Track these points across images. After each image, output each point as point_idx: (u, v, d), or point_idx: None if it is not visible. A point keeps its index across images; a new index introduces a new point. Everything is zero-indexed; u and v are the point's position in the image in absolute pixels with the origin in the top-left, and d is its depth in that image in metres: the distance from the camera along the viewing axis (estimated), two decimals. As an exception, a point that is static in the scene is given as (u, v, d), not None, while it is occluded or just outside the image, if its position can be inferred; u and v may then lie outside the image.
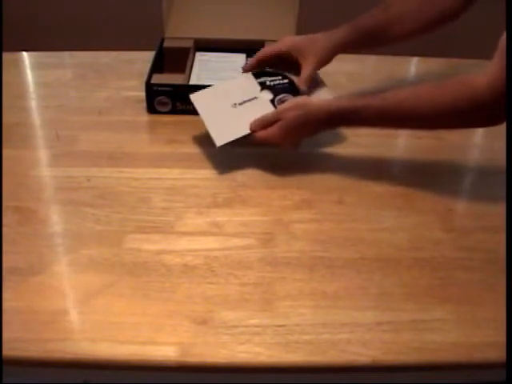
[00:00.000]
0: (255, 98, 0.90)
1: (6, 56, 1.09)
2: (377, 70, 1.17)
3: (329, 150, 0.92)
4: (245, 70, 0.94)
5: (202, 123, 0.88)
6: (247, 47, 1.10)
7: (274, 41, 0.95)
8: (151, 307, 0.65)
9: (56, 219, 0.78)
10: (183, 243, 0.73)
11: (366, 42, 0.92)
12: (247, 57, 1.08)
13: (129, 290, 0.67)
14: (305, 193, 0.82)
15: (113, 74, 1.10)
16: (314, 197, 0.82)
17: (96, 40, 1.60)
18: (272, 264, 0.71)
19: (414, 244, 0.75)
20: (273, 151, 0.89)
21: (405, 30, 0.90)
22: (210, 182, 0.84)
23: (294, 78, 0.93)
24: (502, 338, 0.60)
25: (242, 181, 0.84)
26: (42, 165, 0.87)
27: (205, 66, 1.06)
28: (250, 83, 0.93)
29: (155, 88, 0.96)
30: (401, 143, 0.98)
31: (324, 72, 0.94)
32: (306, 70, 0.90)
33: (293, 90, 0.91)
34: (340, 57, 0.91)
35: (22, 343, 0.61)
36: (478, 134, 0.99)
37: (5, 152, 0.86)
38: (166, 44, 1.11)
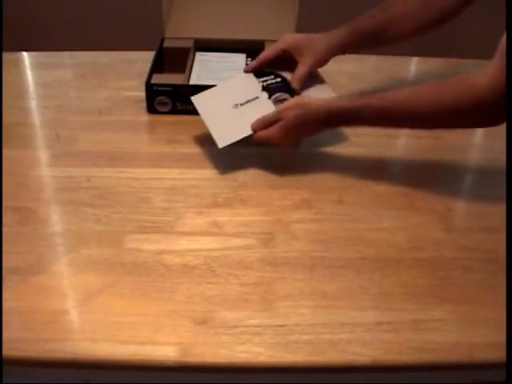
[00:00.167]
0: (257, 97, 0.90)
1: (5, 56, 1.09)
2: (377, 70, 1.17)
3: (329, 149, 0.92)
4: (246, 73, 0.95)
5: (202, 123, 0.88)
6: (247, 47, 1.10)
7: (274, 41, 0.95)
8: (151, 307, 0.65)
9: (56, 219, 0.78)
10: (183, 243, 0.73)
11: (366, 43, 0.92)
12: (247, 57, 1.08)
13: (129, 290, 0.67)
14: (305, 193, 0.82)
15: (113, 74, 1.10)
16: (314, 197, 0.82)
17: (96, 40, 1.60)
18: (272, 264, 0.71)
19: (414, 244, 0.75)
20: (273, 151, 0.89)
21: (405, 30, 0.90)
22: (210, 182, 0.84)
23: (289, 76, 0.93)
24: (502, 338, 0.60)
25: (241, 181, 0.84)
26: (41, 165, 0.87)
27: (205, 66, 1.06)
28: (251, 83, 0.93)
29: (155, 88, 0.96)
30: (401, 143, 0.98)
31: (324, 72, 0.94)
32: (301, 69, 0.91)
33: (287, 87, 0.91)
34: (340, 57, 0.92)
35: (22, 343, 0.61)
36: (478, 134, 0.99)
37: (5, 152, 0.86)
38: (166, 44, 1.11)
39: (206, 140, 0.90)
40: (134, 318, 0.63)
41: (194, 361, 0.60)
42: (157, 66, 1.03)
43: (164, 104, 0.97)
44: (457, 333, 0.63)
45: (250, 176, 0.85)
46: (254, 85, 0.92)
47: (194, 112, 0.90)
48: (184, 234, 0.75)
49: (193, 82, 1.01)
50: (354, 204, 0.81)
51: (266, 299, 0.66)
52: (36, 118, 0.99)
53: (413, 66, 1.21)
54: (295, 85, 0.91)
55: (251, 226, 0.76)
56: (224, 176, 0.85)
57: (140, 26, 2.02)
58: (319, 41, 0.91)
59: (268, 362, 0.60)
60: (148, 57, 1.05)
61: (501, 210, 0.75)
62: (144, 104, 0.98)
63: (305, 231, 0.76)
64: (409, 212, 0.80)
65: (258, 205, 0.80)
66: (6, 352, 0.59)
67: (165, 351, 0.60)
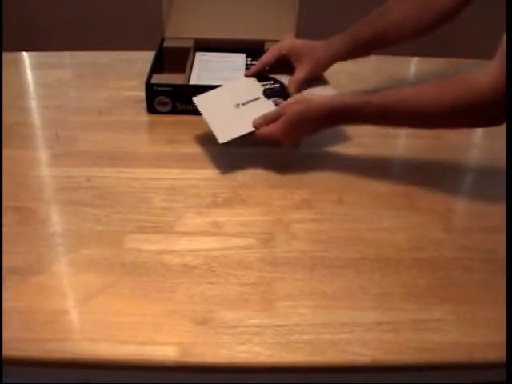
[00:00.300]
0: (258, 98, 0.91)
1: (5, 56, 1.09)
2: (377, 70, 1.17)
3: (329, 149, 0.92)
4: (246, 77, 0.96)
5: (202, 123, 0.88)
6: (247, 47, 1.10)
7: (274, 41, 0.96)
8: (151, 307, 0.65)
9: (56, 219, 0.78)
10: (183, 243, 0.73)
11: (366, 50, 0.93)
12: (247, 57, 1.08)
13: (129, 289, 0.67)
14: (305, 192, 0.82)
15: (113, 74, 1.10)
16: (314, 196, 0.82)
17: (96, 40, 1.60)
18: (272, 264, 0.71)
19: (414, 244, 0.75)
20: (273, 151, 0.89)
21: (405, 34, 0.90)
22: (210, 181, 0.84)
23: (286, 81, 0.93)
24: (502, 338, 0.60)
25: (241, 181, 0.84)
26: (42, 165, 0.87)
27: (205, 66, 1.06)
28: (252, 85, 0.93)
29: (155, 88, 0.96)
30: (401, 143, 0.98)
31: (325, 72, 0.94)
32: (298, 74, 0.92)
33: (284, 93, 0.92)
34: (340, 57, 0.92)
35: (22, 343, 0.61)
36: (478, 134, 0.99)
37: (5, 152, 0.86)
38: (166, 44, 1.11)
39: (206, 140, 0.90)
40: (134, 318, 0.63)
41: (193, 361, 0.60)
42: (157, 66, 1.03)
43: (164, 104, 0.97)
44: (457, 333, 0.63)
45: (250, 176, 0.85)
46: (255, 86, 0.93)
47: (194, 112, 0.90)
48: (184, 233, 0.75)
49: (193, 81, 1.01)
50: (354, 204, 0.81)
51: (266, 299, 0.66)
52: (36, 117, 0.99)
53: (413, 65, 1.21)
54: (292, 90, 0.91)
55: (251, 225, 0.76)
56: (224, 176, 0.85)
57: (140, 26, 2.01)
58: (319, 49, 0.91)
59: (268, 361, 0.60)
60: (148, 57, 1.05)
61: (501, 209, 0.75)
62: (144, 104, 0.98)
63: (305, 231, 0.76)
64: (409, 212, 0.80)
65: (258, 205, 0.80)
66: (5, 352, 0.59)
67: (165, 351, 0.60)
